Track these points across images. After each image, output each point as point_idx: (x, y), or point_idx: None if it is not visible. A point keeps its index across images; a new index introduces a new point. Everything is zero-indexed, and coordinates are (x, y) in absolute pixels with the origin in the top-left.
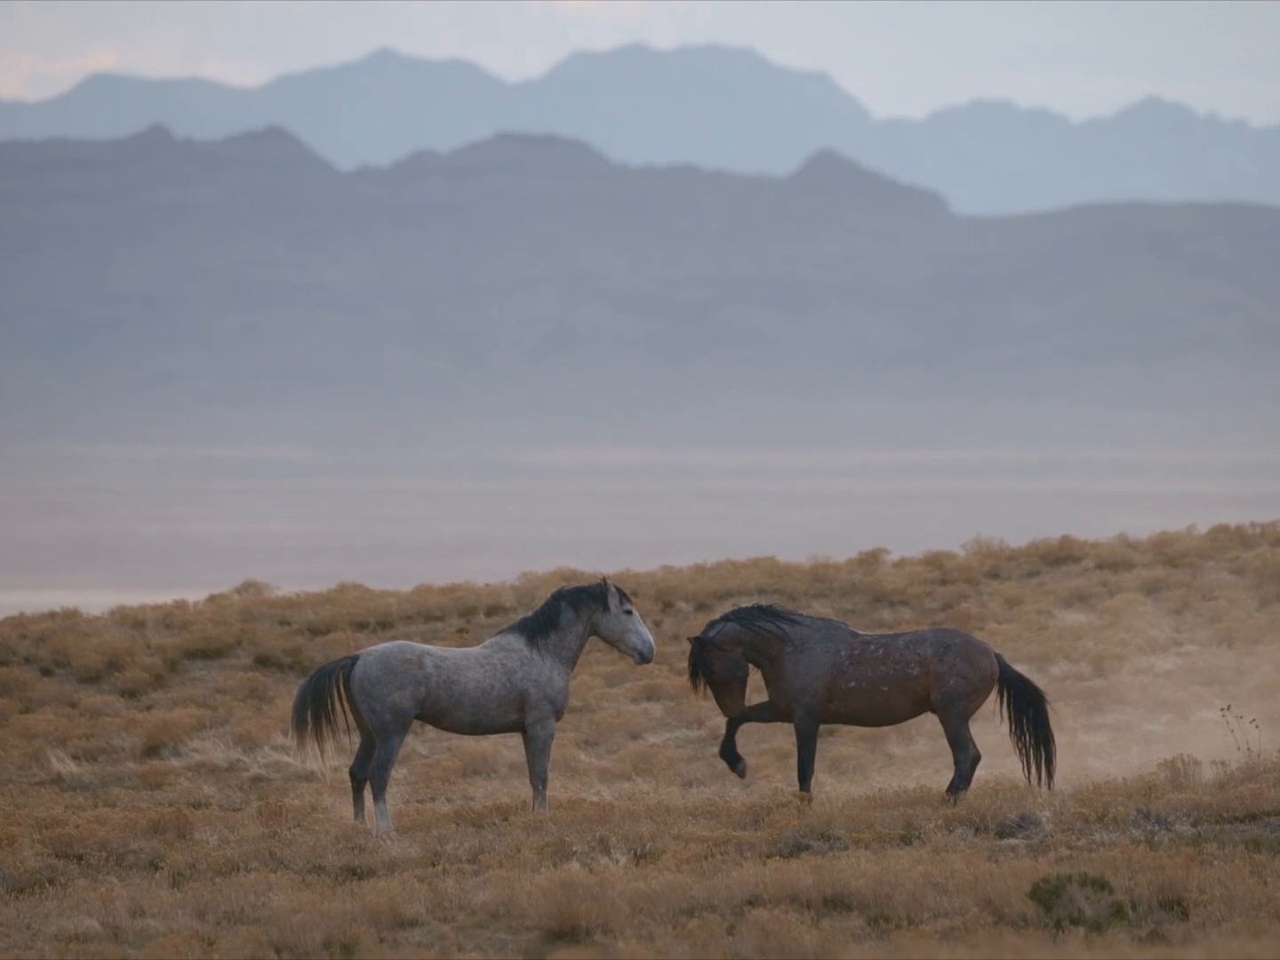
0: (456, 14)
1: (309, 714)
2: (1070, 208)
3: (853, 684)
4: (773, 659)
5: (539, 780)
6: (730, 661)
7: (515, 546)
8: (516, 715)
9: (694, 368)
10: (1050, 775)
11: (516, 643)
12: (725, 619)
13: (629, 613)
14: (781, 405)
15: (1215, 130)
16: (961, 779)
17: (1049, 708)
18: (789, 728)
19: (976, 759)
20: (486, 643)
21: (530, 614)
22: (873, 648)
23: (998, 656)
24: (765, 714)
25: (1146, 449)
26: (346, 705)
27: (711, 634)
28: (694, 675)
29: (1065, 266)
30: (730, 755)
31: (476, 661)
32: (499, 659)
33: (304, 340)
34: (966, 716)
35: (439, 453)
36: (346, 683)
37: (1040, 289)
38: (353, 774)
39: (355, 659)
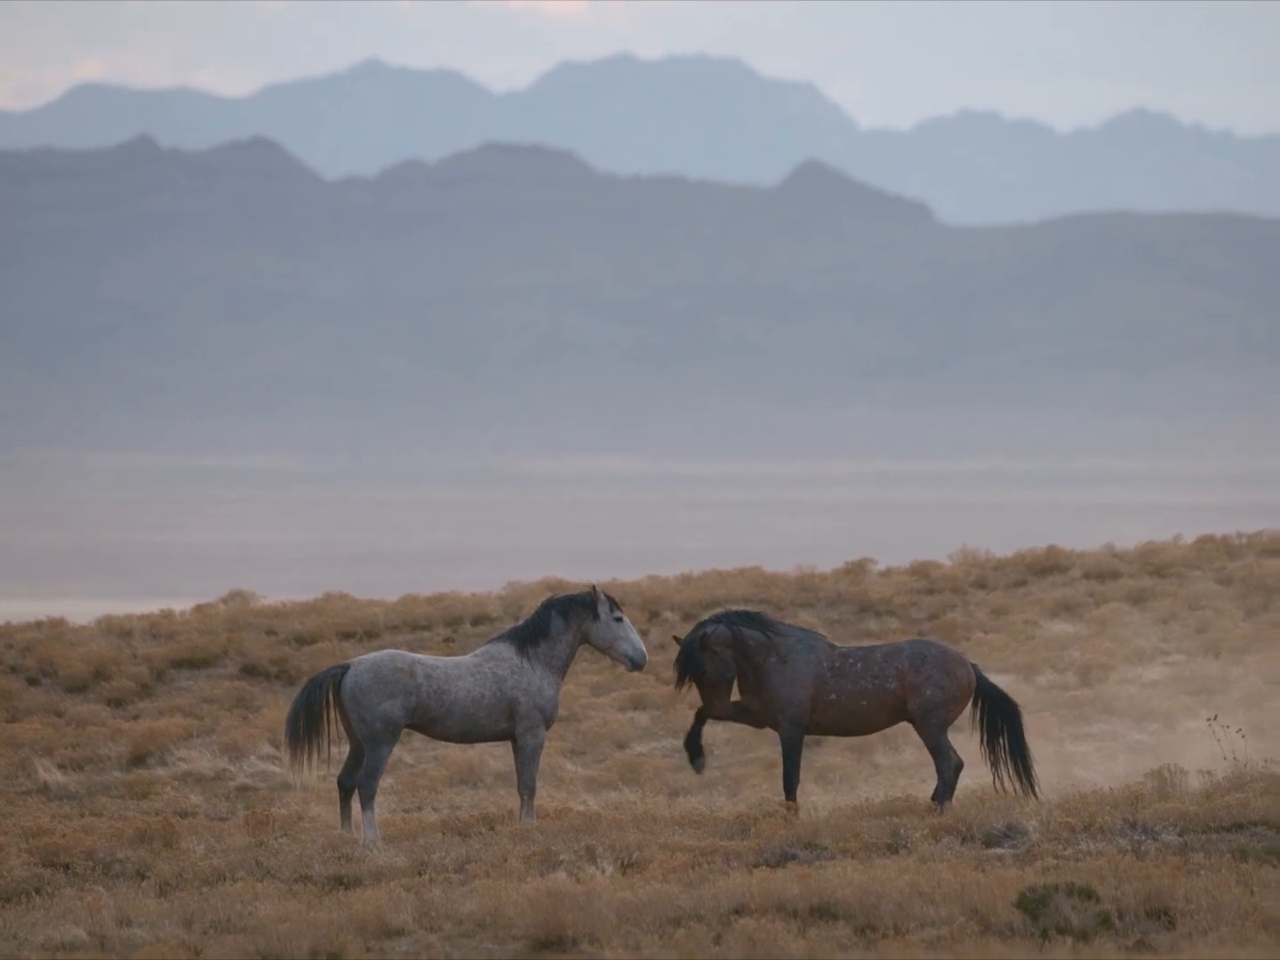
0: (444, 24)
1: (301, 726)
2: (1058, 218)
3: (833, 696)
4: (757, 667)
5: (527, 789)
6: (720, 662)
7: (503, 556)
8: (506, 724)
9: (683, 376)
10: (1031, 787)
11: (507, 651)
12: (716, 620)
13: (619, 620)
14: (770, 414)
15: (1202, 140)
16: (945, 787)
17: (1024, 722)
18: (774, 736)
19: (959, 767)
20: (477, 651)
21: (520, 623)
22: (851, 661)
23: (974, 667)
24: (735, 714)
25: (1138, 458)
26: (336, 714)
27: (701, 634)
28: (682, 676)
29: (1053, 276)
30: (694, 747)
31: (467, 670)
32: (489, 668)
33: (294, 349)
34: (944, 726)
35: (428, 461)
36: (337, 692)
37: (1029, 299)
38: (340, 783)
39: (346, 668)
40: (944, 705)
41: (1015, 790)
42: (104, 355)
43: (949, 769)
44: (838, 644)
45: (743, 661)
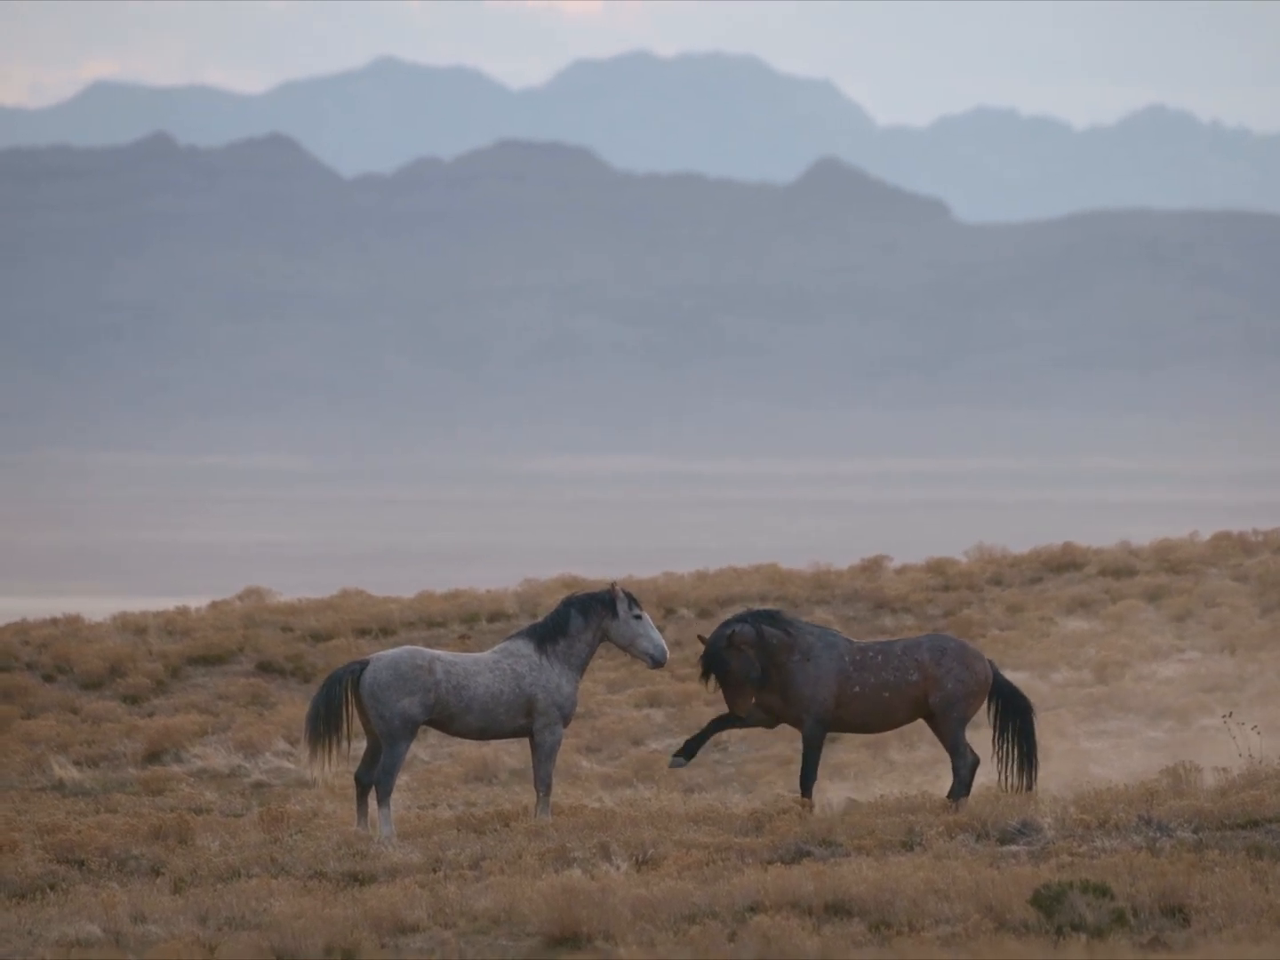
0: (458, 21)
1: (321, 723)
2: (1072, 215)
3: (856, 690)
4: (780, 666)
5: (543, 786)
6: (745, 661)
7: (513, 554)
8: (525, 721)
9: (688, 376)
10: (1030, 785)
11: (526, 648)
12: (740, 619)
13: (639, 618)
14: (781, 413)
15: (1218, 138)
16: (962, 785)
17: (1035, 719)
18: (791, 733)
19: (975, 764)
20: (495, 648)
21: (540, 620)
22: (872, 654)
23: (990, 663)
24: (752, 719)
25: (1146, 457)
26: (355, 710)
27: (727, 633)
28: (706, 674)
29: (1066, 274)
30: (691, 749)
31: (486, 667)
32: (508, 664)
33: (298, 349)
34: (964, 721)
35: (436, 461)
36: (356, 688)
37: (1041, 297)
38: (358, 779)
39: (365, 664)
40: (964, 699)
41: (1016, 787)
42: (108, 355)
43: (965, 767)
44: (855, 639)
45: (765, 660)
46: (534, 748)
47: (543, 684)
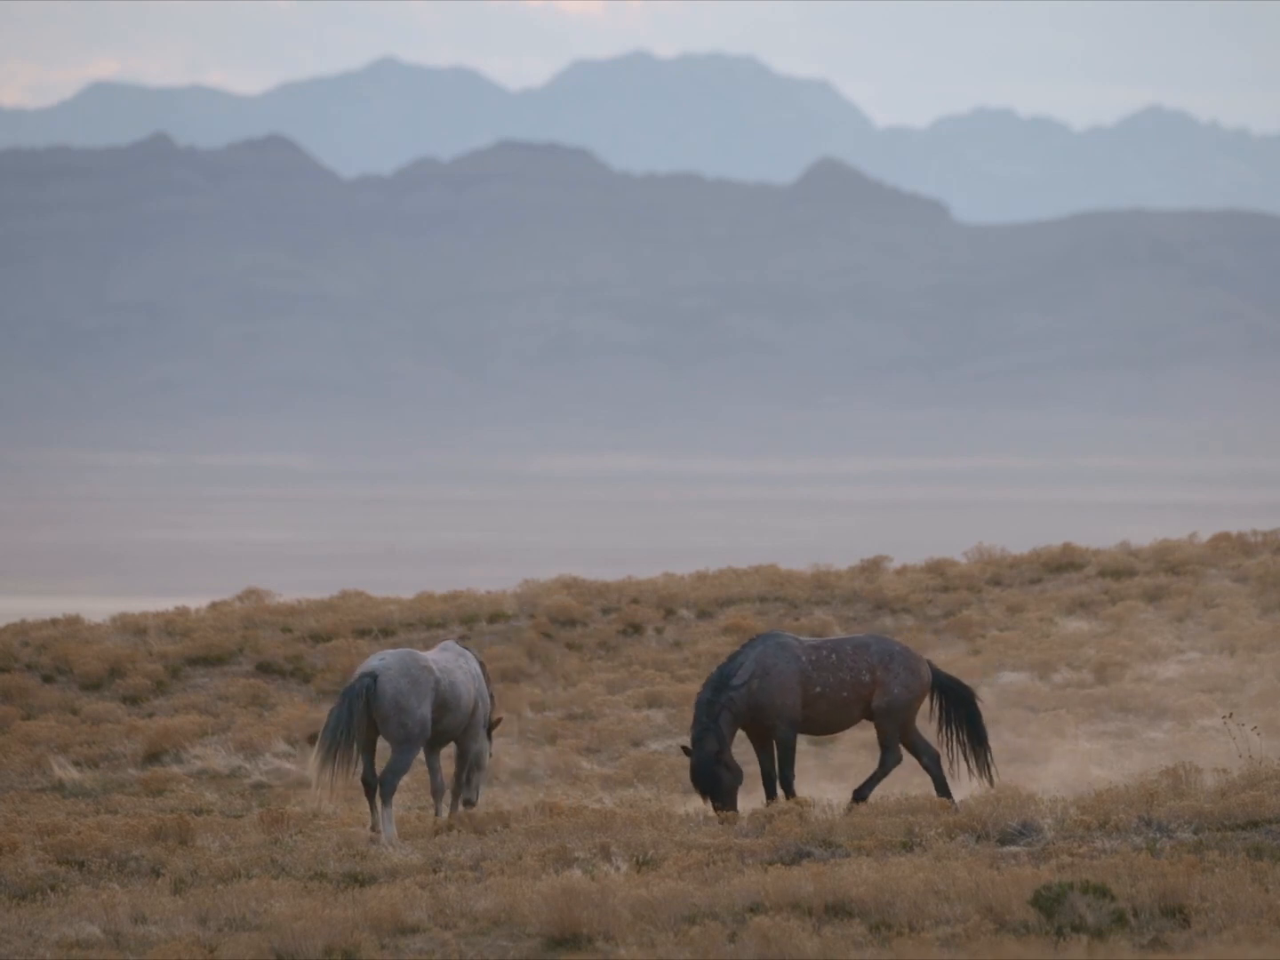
0: (458, 22)
1: (342, 740)
2: (1072, 216)
3: (818, 689)
4: (748, 700)
5: (475, 793)
6: (734, 770)
7: (516, 554)
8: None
9: (695, 376)
10: (988, 771)
11: (472, 659)
12: (703, 730)
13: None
14: (783, 413)
15: (1217, 139)
16: (939, 782)
17: (980, 705)
18: None
19: (937, 757)
20: (441, 646)
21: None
22: (825, 653)
23: (929, 663)
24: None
25: (1148, 457)
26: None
27: (714, 752)
28: (704, 793)
29: (1067, 275)
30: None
31: (453, 664)
32: (464, 664)
33: (305, 349)
34: (906, 725)
35: (440, 461)
36: (372, 701)
37: (1042, 298)
38: (364, 781)
39: (374, 677)
40: (908, 705)
41: (978, 775)
42: (109, 355)
43: (934, 763)
44: (804, 638)
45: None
46: (460, 754)
47: (483, 692)
